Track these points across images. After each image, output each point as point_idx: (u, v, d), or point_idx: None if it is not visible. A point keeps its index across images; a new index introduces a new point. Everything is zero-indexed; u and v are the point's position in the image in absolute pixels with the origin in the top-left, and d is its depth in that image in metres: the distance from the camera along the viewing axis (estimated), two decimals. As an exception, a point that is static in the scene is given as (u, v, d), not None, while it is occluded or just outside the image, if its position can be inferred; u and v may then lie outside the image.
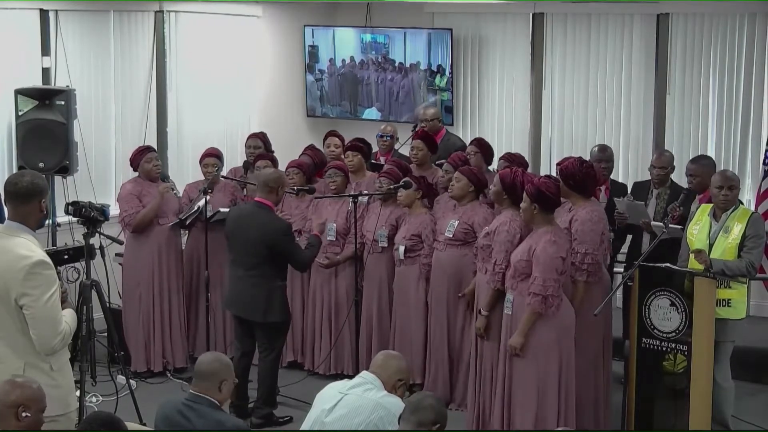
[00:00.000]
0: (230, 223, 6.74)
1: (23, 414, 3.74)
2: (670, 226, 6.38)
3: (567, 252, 5.75)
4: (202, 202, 7.55)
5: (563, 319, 5.76)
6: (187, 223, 7.72)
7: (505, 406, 5.95)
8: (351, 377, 4.86)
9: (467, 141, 9.01)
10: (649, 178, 7.35)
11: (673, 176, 8.29)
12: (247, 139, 8.51)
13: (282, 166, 7.95)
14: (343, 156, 7.99)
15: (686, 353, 5.89)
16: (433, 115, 8.54)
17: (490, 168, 7.64)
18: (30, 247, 4.33)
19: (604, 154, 7.58)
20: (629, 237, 7.39)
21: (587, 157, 7.00)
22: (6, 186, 4.47)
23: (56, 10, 8.24)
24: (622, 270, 7.42)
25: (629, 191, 7.49)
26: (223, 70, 9.66)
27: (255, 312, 6.55)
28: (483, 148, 7.62)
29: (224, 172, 8.08)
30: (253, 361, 6.82)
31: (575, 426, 5.85)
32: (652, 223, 6.83)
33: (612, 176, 7.84)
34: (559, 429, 5.48)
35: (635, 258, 6.52)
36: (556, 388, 5.77)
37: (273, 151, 8.27)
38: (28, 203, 4.38)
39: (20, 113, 7.65)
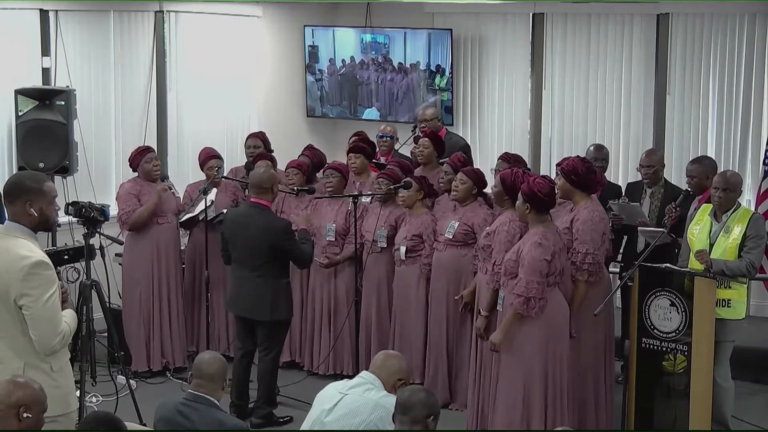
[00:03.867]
0: (229, 225, 6.73)
1: (24, 414, 3.74)
2: (657, 230, 6.37)
3: (553, 254, 5.73)
4: (203, 204, 7.56)
5: (553, 319, 5.76)
6: (181, 220, 7.72)
7: (496, 404, 5.96)
8: (350, 377, 4.86)
9: (468, 141, 9.03)
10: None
11: (673, 176, 8.31)
12: (247, 139, 8.50)
13: (282, 166, 7.96)
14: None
15: (686, 353, 5.90)
16: (432, 114, 8.51)
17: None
18: (30, 248, 4.32)
19: (600, 153, 7.62)
20: (624, 238, 7.38)
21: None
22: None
23: (56, 10, 8.25)
24: (617, 270, 7.43)
25: (623, 193, 7.50)
26: (223, 70, 9.66)
27: (262, 311, 6.55)
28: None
29: (225, 171, 8.08)
30: (252, 361, 6.83)
31: (574, 425, 5.85)
32: (646, 229, 6.84)
33: (611, 177, 7.85)
34: (559, 429, 5.48)
35: (631, 258, 6.52)
36: (543, 388, 5.77)
37: (272, 151, 8.27)
38: (11, 203, 4.36)
39: (20, 113, 7.65)
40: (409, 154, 8.37)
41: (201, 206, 7.61)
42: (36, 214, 4.35)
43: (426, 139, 7.80)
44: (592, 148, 7.71)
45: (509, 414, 5.83)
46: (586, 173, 6.11)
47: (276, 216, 6.69)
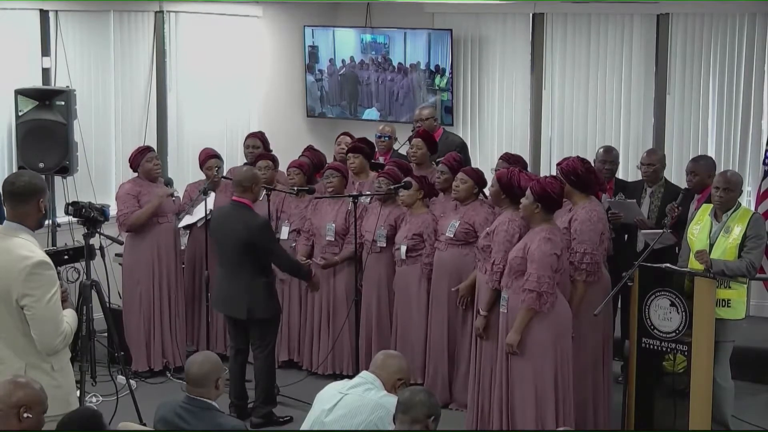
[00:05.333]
0: (213, 224, 6.83)
1: (25, 415, 3.74)
2: (658, 231, 6.38)
3: (562, 249, 5.75)
4: (202, 206, 7.56)
5: (559, 317, 5.76)
6: (181, 225, 7.73)
7: (504, 406, 5.95)
8: (350, 377, 4.86)
9: (467, 141, 9.02)
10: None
11: (673, 176, 8.31)
12: (246, 138, 8.49)
13: (282, 167, 7.97)
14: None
15: (686, 353, 5.90)
16: (428, 114, 8.48)
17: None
18: (30, 248, 4.33)
19: (609, 155, 7.57)
20: (625, 237, 7.39)
21: (590, 158, 7.01)
22: (4, 186, 4.47)
23: (56, 11, 8.25)
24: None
25: (622, 190, 7.49)
26: (223, 70, 9.66)
27: (239, 310, 6.57)
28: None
29: (224, 171, 8.08)
30: (249, 360, 6.83)
31: (575, 425, 5.85)
32: (646, 231, 6.84)
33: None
34: (560, 429, 5.48)
35: (631, 258, 6.52)
36: (553, 386, 5.77)
37: (271, 150, 8.28)
38: (26, 203, 4.38)
39: (20, 113, 7.65)
40: (406, 154, 8.36)
41: (200, 210, 7.61)
42: (44, 212, 4.42)
43: (419, 139, 7.79)
44: (601, 150, 7.64)
45: (523, 414, 5.83)
46: (585, 174, 6.12)
47: (255, 213, 6.64)
